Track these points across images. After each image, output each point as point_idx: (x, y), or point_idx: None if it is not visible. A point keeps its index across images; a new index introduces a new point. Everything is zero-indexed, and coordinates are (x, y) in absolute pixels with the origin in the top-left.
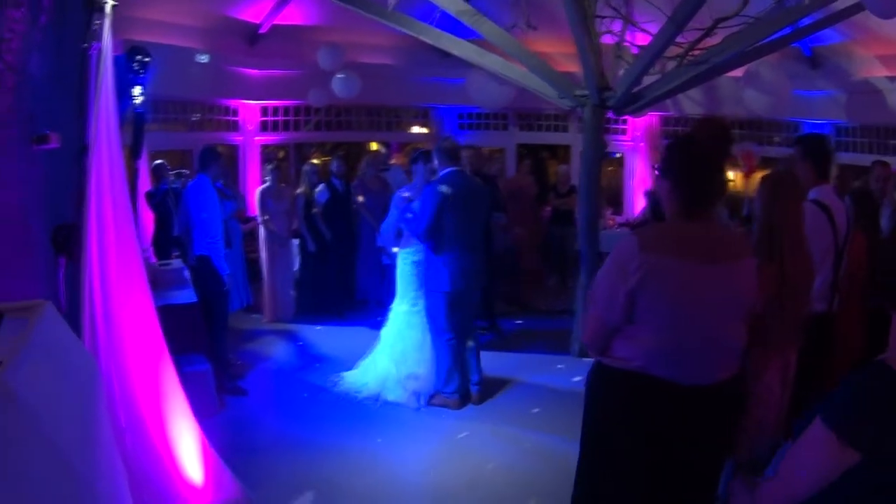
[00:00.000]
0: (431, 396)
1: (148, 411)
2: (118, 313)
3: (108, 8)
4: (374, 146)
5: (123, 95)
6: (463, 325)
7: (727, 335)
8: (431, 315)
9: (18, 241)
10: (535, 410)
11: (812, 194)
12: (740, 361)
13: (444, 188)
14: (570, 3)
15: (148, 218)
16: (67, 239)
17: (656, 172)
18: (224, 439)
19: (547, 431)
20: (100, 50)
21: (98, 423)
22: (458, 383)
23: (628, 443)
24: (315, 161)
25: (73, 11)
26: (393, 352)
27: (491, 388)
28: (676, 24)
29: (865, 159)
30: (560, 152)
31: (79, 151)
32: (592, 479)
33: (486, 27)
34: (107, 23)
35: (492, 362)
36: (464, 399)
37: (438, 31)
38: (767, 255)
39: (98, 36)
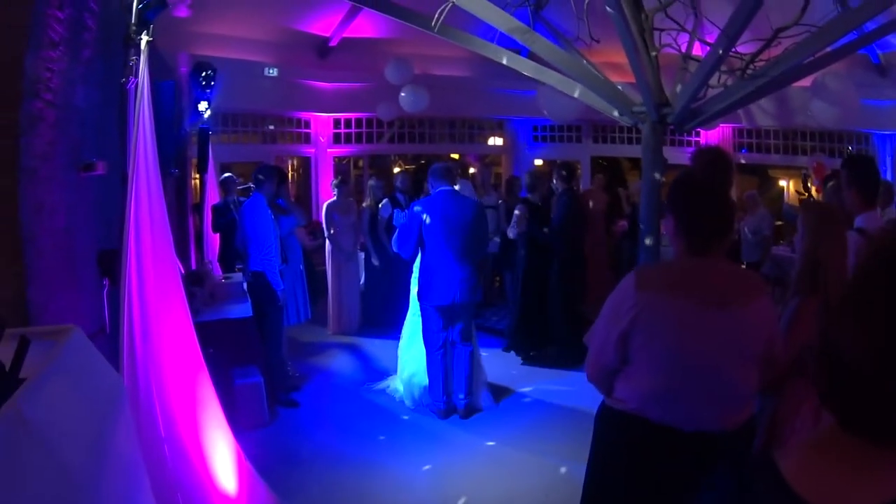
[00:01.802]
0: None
1: (184, 423)
2: (156, 332)
3: (143, 45)
4: (455, 157)
5: (189, 111)
6: (455, 335)
7: (730, 381)
8: (422, 325)
9: (65, 264)
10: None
11: (858, 221)
12: (751, 406)
13: (424, 215)
14: (619, 19)
15: None
16: (111, 262)
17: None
18: (268, 450)
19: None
20: (137, 85)
21: (116, 442)
22: (438, 394)
23: (628, 487)
24: (397, 169)
25: (116, 45)
26: (404, 355)
27: (538, 403)
28: (729, 38)
29: None
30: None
31: (123, 178)
32: None
33: (538, 45)
34: (143, 58)
35: (541, 377)
36: (447, 411)
37: (496, 46)
38: (810, 288)
39: (135, 71)
